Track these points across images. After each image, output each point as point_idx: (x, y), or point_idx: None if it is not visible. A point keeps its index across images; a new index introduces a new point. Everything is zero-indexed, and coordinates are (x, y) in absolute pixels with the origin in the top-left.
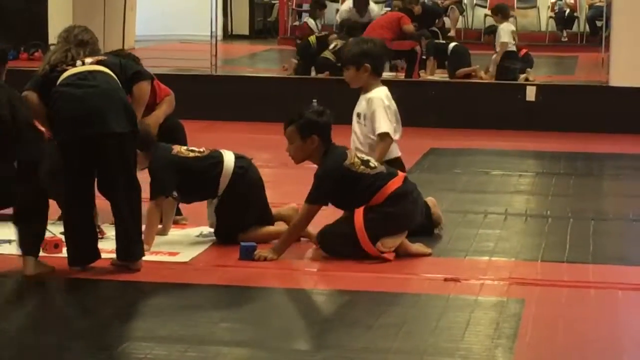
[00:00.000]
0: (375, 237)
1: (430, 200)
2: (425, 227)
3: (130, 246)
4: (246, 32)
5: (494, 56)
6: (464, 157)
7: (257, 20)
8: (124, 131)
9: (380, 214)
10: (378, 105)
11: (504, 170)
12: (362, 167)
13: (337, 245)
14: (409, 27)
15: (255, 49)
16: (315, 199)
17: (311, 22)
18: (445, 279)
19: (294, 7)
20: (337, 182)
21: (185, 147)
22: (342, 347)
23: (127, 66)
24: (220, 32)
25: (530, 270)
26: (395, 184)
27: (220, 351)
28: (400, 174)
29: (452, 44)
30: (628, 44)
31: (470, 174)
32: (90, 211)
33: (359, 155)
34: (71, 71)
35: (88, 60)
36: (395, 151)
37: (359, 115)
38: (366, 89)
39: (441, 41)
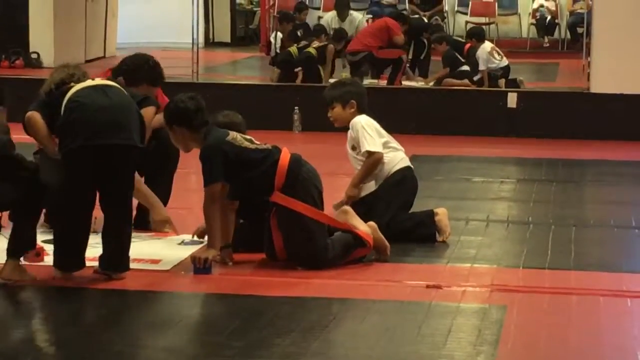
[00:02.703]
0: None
1: (441, 209)
2: (430, 235)
3: (121, 258)
4: (228, 39)
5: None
6: (446, 164)
7: (238, 28)
8: (139, 145)
9: (294, 187)
10: (357, 127)
11: (486, 177)
12: (246, 142)
13: (303, 253)
14: (400, 38)
15: (237, 56)
16: (209, 179)
17: (272, 38)
18: (427, 286)
19: (275, 14)
20: (226, 159)
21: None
22: (324, 354)
23: (136, 94)
24: (201, 39)
25: (512, 276)
26: (286, 155)
27: None
28: (284, 147)
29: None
30: (609, 51)
31: (451, 180)
32: (89, 220)
33: (242, 135)
34: (84, 84)
35: (97, 78)
36: (401, 162)
37: (353, 148)
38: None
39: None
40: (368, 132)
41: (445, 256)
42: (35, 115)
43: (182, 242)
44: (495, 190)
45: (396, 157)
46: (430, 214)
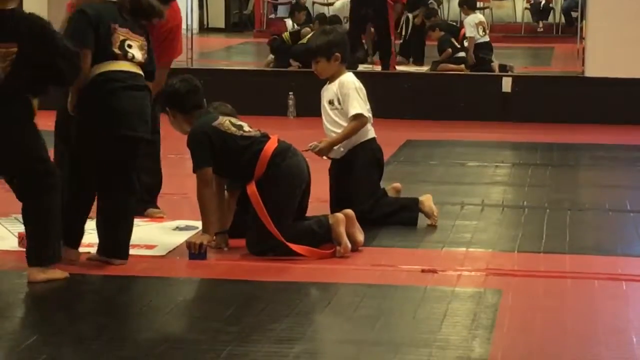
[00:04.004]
0: (277, 204)
1: (424, 196)
2: (412, 219)
3: (121, 246)
4: (222, 25)
5: (467, 50)
6: (440, 148)
7: (233, 13)
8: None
9: (271, 179)
10: (350, 88)
11: (481, 162)
12: (233, 128)
13: (269, 246)
14: (400, 6)
15: (231, 42)
16: (198, 164)
17: (289, 23)
18: (423, 270)
19: (269, 0)
20: (210, 143)
21: None
22: (320, 339)
23: (152, 58)
24: (196, 25)
25: (507, 260)
26: (272, 145)
27: (198, 347)
28: (274, 136)
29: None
30: (603, 35)
31: (446, 165)
32: (89, 209)
33: (233, 120)
34: (120, 66)
35: (137, 54)
36: (370, 132)
37: (331, 102)
38: (334, 77)
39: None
40: (360, 95)
41: (441, 241)
42: (88, 57)
43: (177, 228)
44: (490, 175)
45: (368, 126)
46: (415, 201)
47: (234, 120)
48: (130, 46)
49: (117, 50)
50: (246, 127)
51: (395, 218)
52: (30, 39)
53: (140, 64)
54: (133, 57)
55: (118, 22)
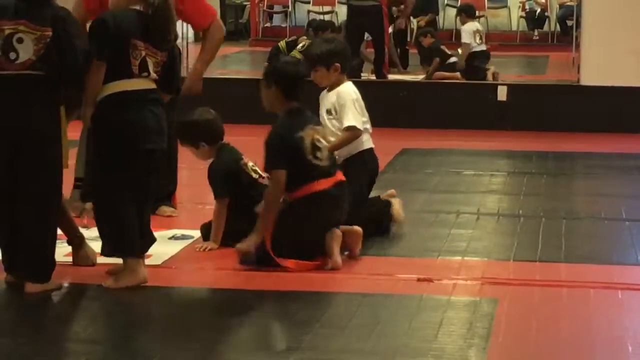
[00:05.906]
0: (286, 241)
1: (395, 200)
2: (384, 227)
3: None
4: None
5: (460, 56)
6: (436, 157)
7: (228, 22)
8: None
9: (295, 214)
10: (347, 99)
11: (476, 170)
12: (309, 148)
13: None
14: (402, 21)
15: (227, 50)
16: (272, 165)
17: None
18: (418, 279)
19: (265, 8)
20: (286, 150)
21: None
22: (315, 348)
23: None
24: (191, 34)
25: (502, 269)
26: (323, 184)
27: (194, 356)
28: (338, 176)
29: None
30: (598, 44)
31: (442, 174)
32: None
33: (319, 140)
34: (138, 84)
35: (152, 71)
36: (367, 143)
37: (329, 111)
38: (333, 86)
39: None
40: (356, 108)
41: (436, 249)
42: (102, 69)
43: (173, 237)
44: (486, 183)
45: (363, 137)
46: (387, 206)
47: (320, 142)
48: (147, 63)
49: (135, 70)
50: (320, 154)
51: (366, 232)
52: (62, 27)
53: (154, 80)
54: (148, 74)
55: (140, 36)
